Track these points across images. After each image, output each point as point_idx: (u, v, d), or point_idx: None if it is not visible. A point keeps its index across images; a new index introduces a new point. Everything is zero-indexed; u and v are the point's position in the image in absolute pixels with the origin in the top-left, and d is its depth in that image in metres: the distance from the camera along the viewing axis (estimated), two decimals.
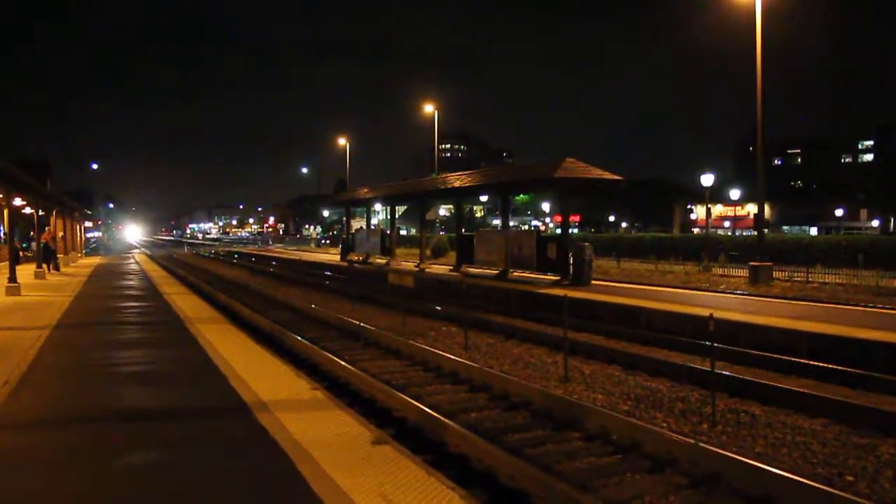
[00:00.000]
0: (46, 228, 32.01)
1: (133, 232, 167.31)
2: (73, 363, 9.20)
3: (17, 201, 25.64)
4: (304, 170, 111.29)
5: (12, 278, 18.63)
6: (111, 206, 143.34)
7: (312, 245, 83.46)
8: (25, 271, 24.72)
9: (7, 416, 6.43)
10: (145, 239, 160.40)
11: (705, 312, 9.07)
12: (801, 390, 8.93)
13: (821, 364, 10.31)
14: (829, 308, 15.06)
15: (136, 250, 76.56)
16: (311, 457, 5.16)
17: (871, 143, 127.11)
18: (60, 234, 35.96)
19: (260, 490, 4.61)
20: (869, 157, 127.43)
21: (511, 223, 27.39)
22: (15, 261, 20.11)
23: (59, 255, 32.21)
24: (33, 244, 31.22)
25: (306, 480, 4.69)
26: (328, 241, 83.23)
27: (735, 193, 75.74)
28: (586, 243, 21.56)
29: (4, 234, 30.29)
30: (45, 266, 28.54)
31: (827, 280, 22.90)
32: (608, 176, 20.51)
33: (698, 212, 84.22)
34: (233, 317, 16.22)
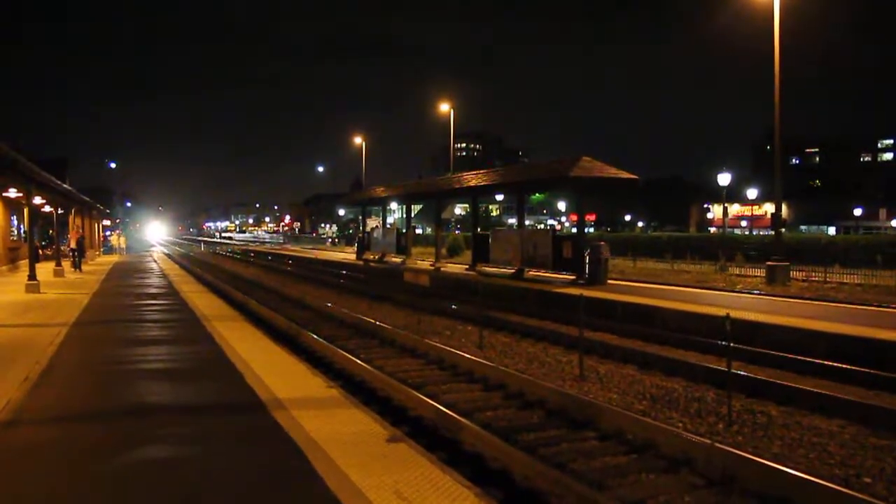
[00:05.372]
0: (75, 228, 32.37)
1: (155, 230, 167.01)
2: (91, 359, 9.29)
3: (37, 199, 25.88)
4: (320, 168, 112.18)
5: (32, 276, 18.83)
6: (129, 204, 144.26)
7: (328, 244, 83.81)
8: (45, 269, 24.98)
9: (28, 411, 6.51)
10: (167, 238, 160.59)
11: (721, 312, 9.05)
12: (818, 391, 8.86)
13: (838, 365, 10.23)
14: (846, 308, 14.93)
15: (155, 249, 77.05)
16: (327, 454, 5.19)
17: (890, 141, 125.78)
18: (81, 232, 36.33)
19: (275, 487, 4.64)
20: (888, 155, 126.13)
21: (527, 222, 27.40)
22: (35, 258, 20.33)
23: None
24: (63, 244, 31.60)
25: (322, 477, 4.72)
26: (344, 240, 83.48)
27: (752, 192, 75.18)
28: (602, 242, 21.50)
29: (24, 232, 30.61)
30: (75, 262, 29.00)
31: (845, 280, 22.71)
32: (624, 175, 20.45)
33: (715, 211, 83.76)
34: (249, 315, 16.32)
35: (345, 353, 11.65)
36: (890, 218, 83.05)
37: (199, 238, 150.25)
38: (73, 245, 30.14)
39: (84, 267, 31.17)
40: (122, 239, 67.04)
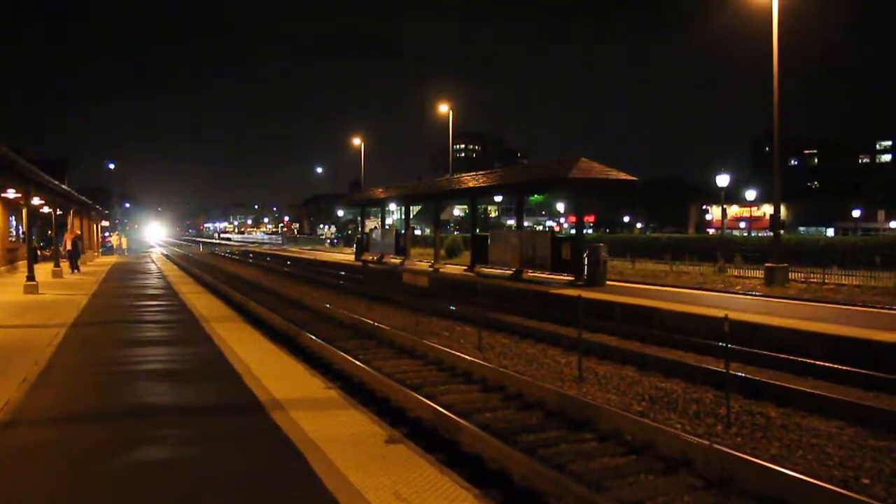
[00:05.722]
0: (69, 228, 32.27)
1: (154, 231, 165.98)
2: (89, 360, 9.28)
3: (36, 200, 25.87)
4: (319, 169, 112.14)
5: (31, 277, 18.81)
6: (128, 205, 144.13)
7: (326, 244, 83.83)
8: (43, 270, 24.96)
9: (26, 412, 6.50)
10: (166, 239, 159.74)
11: (720, 313, 9.06)
12: (817, 392, 8.88)
13: (836, 366, 10.24)
14: (845, 310, 14.93)
15: (153, 250, 76.97)
16: (325, 455, 5.19)
17: (888, 143, 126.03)
18: (77, 232, 36.26)
19: (274, 488, 4.64)
20: (887, 157, 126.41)
21: (525, 223, 27.40)
22: (33, 259, 20.30)
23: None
24: (61, 245, 31.43)
25: (320, 478, 4.72)
26: (342, 241, 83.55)
27: (751, 194, 75.26)
28: (601, 243, 21.50)
29: (23, 233, 30.57)
30: (72, 263, 28.86)
31: (843, 282, 22.73)
32: (623, 176, 20.45)
33: (714, 212, 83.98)
34: (247, 316, 16.31)
35: (343, 353, 11.64)
36: (888, 219, 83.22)
37: (198, 239, 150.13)
38: (68, 247, 30.02)
39: (83, 268, 31.16)
40: (125, 240, 67.13)
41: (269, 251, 62.13)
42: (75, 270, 28.58)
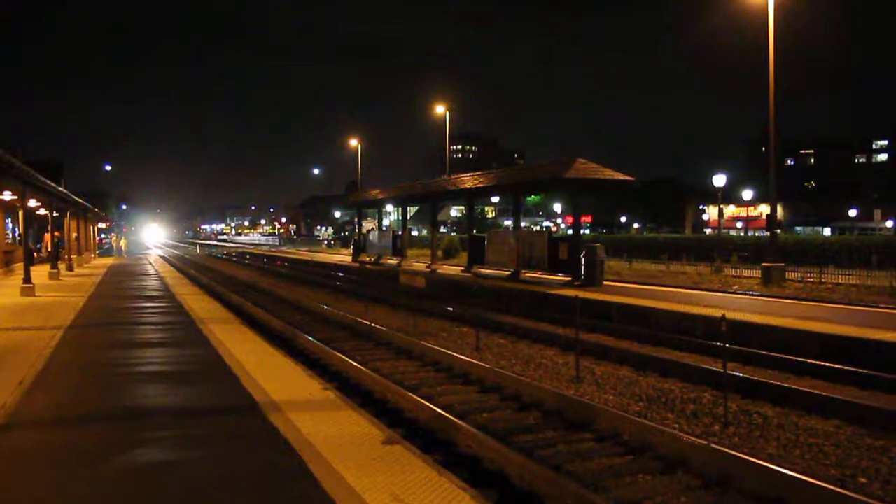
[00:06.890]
0: (49, 230, 32.27)
1: (152, 233, 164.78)
2: (86, 363, 9.26)
3: (32, 202, 25.83)
4: (316, 171, 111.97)
5: (27, 279, 18.78)
6: (124, 206, 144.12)
7: (324, 246, 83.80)
8: (40, 272, 24.92)
9: (22, 414, 6.49)
10: (164, 241, 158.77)
11: (717, 313, 9.07)
12: (814, 391, 8.88)
13: (833, 365, 10.25)
14: (842, 309, 14.96)
15: (150, 252, 76.83)
16: (323, 456, 5.19)
17: (885, 142, 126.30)
18: (74, 234, 36.19)
19: (271, 489, 4.64)
20: (883, 156, 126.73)
21: (522, 224, 27.36)
22: (29, 261, 20.27)
23: (72, 256, 32.40)
24: (40, 247, 31.30)
25: (317, 480, 4.71)
26: (340, 243, 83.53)
27: (747, 194, 75.40)
28: (598, 244, 21.51)
29: (19, 234, 30.52)
30: (58, 265, 28.66)
31: (840, 281, 22.77)
32: (619, 176, 20.47)
33: (710, 212, 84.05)
34: (245, 317, 16.30)
35: (341, 355, 11.64)
36: (885, 219, 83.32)
37: (196, 241, 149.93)
38: (48, 248, 29.65)
39: (79, 269, 31.11)
40: (124, 241, 67.33)
41: (266, 252, 62.13)
42: (66, 270, 28.48)
